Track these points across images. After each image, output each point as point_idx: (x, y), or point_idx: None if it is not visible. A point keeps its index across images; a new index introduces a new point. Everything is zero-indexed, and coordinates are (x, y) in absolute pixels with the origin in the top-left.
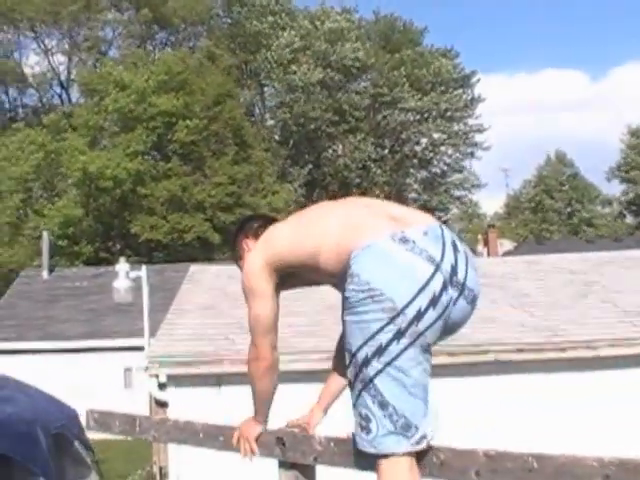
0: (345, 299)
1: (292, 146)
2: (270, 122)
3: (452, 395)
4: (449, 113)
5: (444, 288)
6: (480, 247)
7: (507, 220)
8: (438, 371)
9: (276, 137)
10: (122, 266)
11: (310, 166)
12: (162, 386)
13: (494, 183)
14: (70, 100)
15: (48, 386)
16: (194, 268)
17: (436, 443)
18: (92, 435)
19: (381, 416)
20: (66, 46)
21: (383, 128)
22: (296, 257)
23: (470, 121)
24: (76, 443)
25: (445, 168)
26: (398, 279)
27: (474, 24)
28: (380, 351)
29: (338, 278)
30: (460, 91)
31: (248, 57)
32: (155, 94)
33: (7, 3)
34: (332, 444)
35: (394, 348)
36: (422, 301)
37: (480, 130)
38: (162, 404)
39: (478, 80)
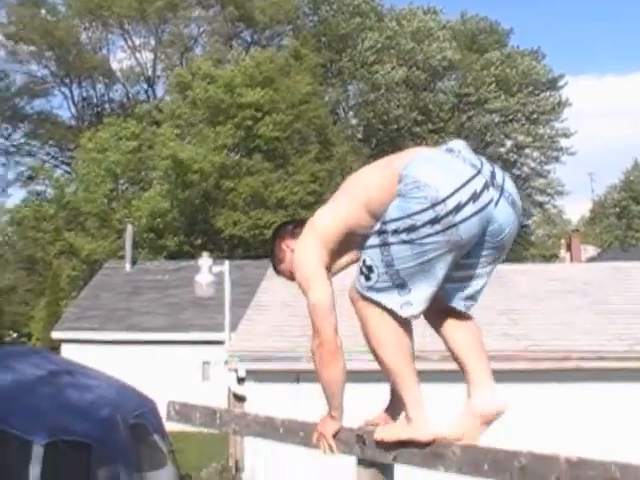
0: (396, 194)
1: (375, 145)
2: (353, 121)
3: (532, 400)
4: (535, 116)
5: (485, 188)
6: (563, 252)
7: (592, 226)
8: (518, 376)
9: (359, 135)
10: (205, 260)
11: None
12: (241, 380)
13: (579, 187)
14: (155, 95)
15: (127, 376)
16: None
17: (516, 447)
18: (169, 426)
19: (383, 272)
20: (152, 42)
21: (468, 129)
22: (346, 217)
23: (556, 124)
24: (154, 433)
25: (529, 172)
26: (443, 174)
27: (561, 25)
28: (411, 229)
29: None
30: (547, 94)
31: (334, 56)
32: (242, 88)
33: (95, 1)
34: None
35: (425, 230)
36: (463, 195)
37: (566, 134)
38: (240, 398)
39: (566, 83)
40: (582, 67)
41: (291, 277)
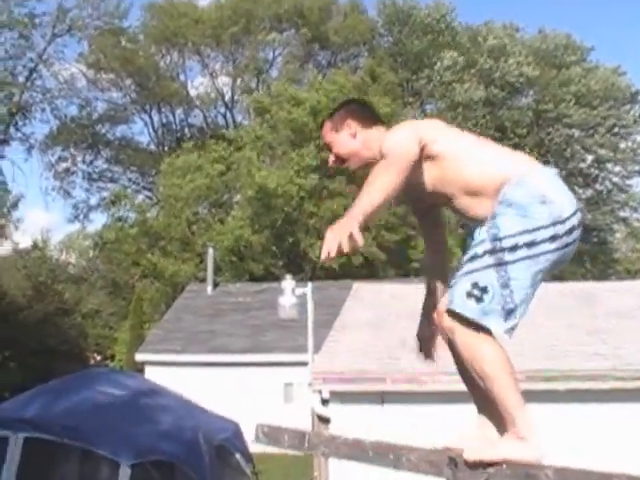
0: (505, 201)
1: None
2: None
3: (623, 420)
4: (616, 129)
5: (581, 221)
6: None
7: None
8: (608, 396)
9: None
10: (288, 283)
11: None
12: (325, 402)
13: None
14: (234, 119)
15: (210, 397)
16: (357, 285)
17: (608, 469)
18: (251, 447)
19: (499, 293)
20: (230, 67)
21: (547, 144)
22: (450, 146)
23: (638, 138)
24: (237, 455)
25: (611, 187)
26: (565, 196)
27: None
28: (532, 244)
29: (479, 192)
30: (628, 107)
31: (409, 76)
32: (326, 111)
33: (170, 28)
34: (504, 466)
35: (545, 247)
36: (576, 220)
37: None
38: (325, 420)
39: None
40: None
41: (329, 147)
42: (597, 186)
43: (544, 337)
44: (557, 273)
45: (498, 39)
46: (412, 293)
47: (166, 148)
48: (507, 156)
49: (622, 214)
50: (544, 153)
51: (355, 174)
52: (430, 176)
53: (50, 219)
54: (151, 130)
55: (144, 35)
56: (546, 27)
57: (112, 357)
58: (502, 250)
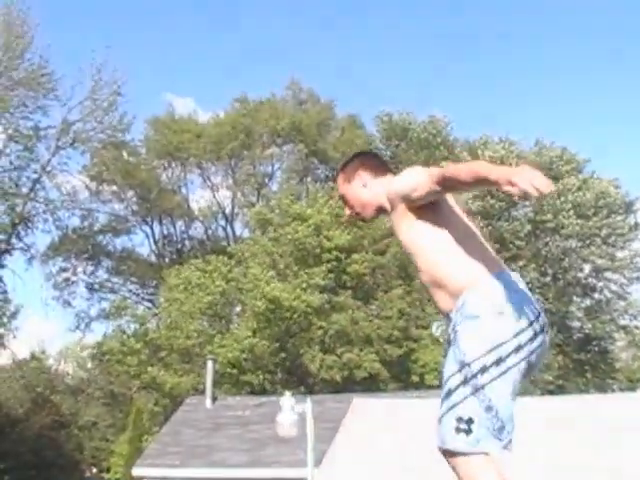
0: (465, 311)
1: None
2: None
3: None
4: (612, 238)
5: (544, 325)
6: None
7: None
8: None
9: None
10: (287, 400)
11: None
12: None
13: None
14: (234, 233)
15: None
16: (356, 400)
17: None
18: None
19: (485, 418)
20: (230, 181)
21: (545, 255)
22: (441, 218)
23: (634, 245)
24: None
25: (610, 295)
26: (524, 303)
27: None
28: (499, 361)
29: (442, 285)
30: (623, 216)
31: None
32: (329, 228)
33: (173, 142)
34: None
35: (512, 360)
36: (538, 325)
37: None
38: None
39: None
40: None
41: (343, 199)
42: (596, 295)
43: (547, 453)
44: (560, 383)
45: (496, 152)
46: (410, 408)
47: (167, 260)
48: (475, 257)
49: (622, 322)
50: (542, 263)
51: (361, 288)
52: (413, 232)
53: (49, 327)
54: (152, 242)
55: (146, 148)
56: (543, 139)
57: (108, 470)
58: (474, 376)
